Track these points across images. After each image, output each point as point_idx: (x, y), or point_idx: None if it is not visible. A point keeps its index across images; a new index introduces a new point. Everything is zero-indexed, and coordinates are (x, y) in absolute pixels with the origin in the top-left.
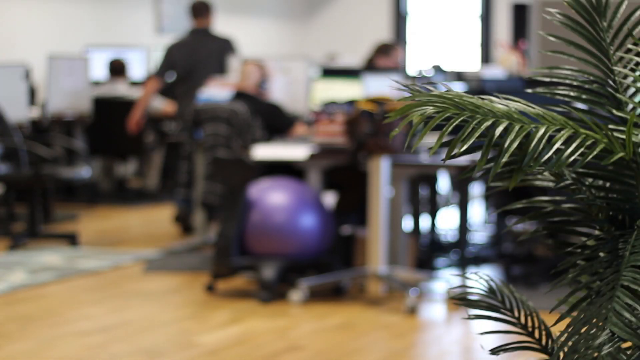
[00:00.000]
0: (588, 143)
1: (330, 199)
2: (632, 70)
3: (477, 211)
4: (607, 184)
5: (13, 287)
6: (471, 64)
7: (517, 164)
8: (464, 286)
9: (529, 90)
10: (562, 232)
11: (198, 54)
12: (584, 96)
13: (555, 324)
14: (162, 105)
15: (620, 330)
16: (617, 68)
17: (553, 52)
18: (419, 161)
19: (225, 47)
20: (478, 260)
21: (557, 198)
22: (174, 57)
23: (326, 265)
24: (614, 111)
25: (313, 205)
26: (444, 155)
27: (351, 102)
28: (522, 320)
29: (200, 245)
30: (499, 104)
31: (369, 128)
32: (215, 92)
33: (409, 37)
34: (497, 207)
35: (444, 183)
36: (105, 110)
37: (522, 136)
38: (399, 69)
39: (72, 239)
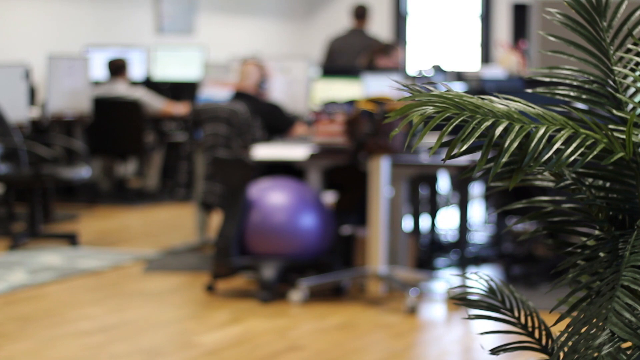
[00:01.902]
0: (588, 143)
1: (330, 199)
2: (632, 70)
3: (477, 211)
4: (607, 184)
5: (13, 287)
6: (471, 64)
7: (517, 164)
8: (464, 286)
9: (529, 90)
10: (562, 232)
11: (351, 49)
12: (584, 96)
13: (555, 324)
14: (162, 105)
15: (620, 330)
16: (617, 68)
17: (553, 52)
18: (419, 161)
19: (374, 46)
20: (478, 260)
21: (557, 198)
22: (331, 48)
23: (326, 265)
24: (614, 111)
25: (313, 205)
26: (444, 155)
27: (351, 102)
28: (522, 320)
29: (200, 245)
30: (499, 104)
31: (369, 128)
32: (215, 92)
33: (409, 37)
34: (497, 207)
35: (444, 183)
36: (105, 110)
37: (522, 136)
38: (399, 69)
39: (72, 239)
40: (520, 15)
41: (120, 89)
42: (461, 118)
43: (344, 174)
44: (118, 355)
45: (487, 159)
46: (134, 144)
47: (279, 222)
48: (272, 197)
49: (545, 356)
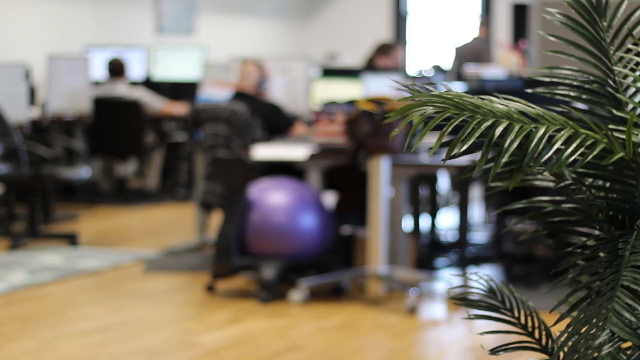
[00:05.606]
0: (588, 143)
1: (330, 199)
2: (632, 70)
3: (477, 211)
4: (607, 184)
5: (13, 287)
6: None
7: (517, 164)
8: (464, 286)
9: (529, 90)
10: (562, 232)
11: (479, 55)
12: (584, 96)
13: (555, 324)
14: (162, 105)
15: (620, 330)
16: (617, 68)
17: (553, 52)
18: (419, 161)
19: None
20: (478, 260)
21: (557, 198)
22: (461, 55)
23: (326, 265)
24: (614, 111)
25: (313, 205)
26: (444, 155)
27: (351, 102)
28: (522, 320)
29: (200, 245)
30: (499, 104)
31: (369, 128)
32: (215, 92)
33: (409, 37)
34: (497, 207)
35: (444, 183)
36: (105, 110)
37: (522, 136)
38: (399, 69)
39: (72, 239)
40: (520, 15)
41: (120, 89)
42: (461, 118)
43: (344, 174)
44: (118, 355)
45: (487, 159)
46: (134, 144)
47: (279, 222)
48: (272, 197)
49: (545, 356)
